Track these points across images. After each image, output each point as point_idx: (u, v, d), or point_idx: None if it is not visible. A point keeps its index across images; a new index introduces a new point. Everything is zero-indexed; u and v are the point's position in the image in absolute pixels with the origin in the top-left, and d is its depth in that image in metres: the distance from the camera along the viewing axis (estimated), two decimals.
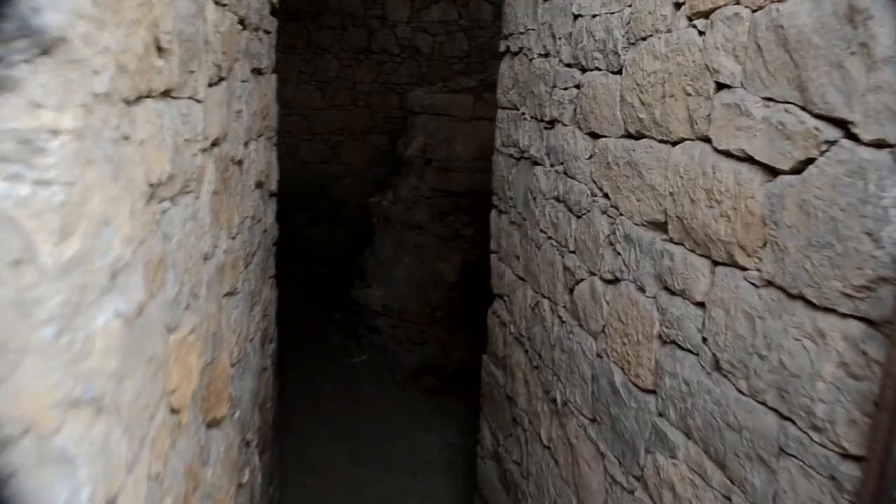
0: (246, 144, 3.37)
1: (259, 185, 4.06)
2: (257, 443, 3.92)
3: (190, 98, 1.99)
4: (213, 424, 2.57)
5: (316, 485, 7.35)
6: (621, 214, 3.21)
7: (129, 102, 1.39)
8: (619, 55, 3.25)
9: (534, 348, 4.40)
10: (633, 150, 3.09)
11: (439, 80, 12.14)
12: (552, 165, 4.07)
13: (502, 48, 5.19)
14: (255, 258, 3.87)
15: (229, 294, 2.92)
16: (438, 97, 9.81)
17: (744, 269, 2.31)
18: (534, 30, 4.40)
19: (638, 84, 3.04)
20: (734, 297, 2.36)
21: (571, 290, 3.80)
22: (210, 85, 2.36)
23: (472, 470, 6.29)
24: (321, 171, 12.99)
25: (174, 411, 1.82)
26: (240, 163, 3.18)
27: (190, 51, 1.93)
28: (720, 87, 2.47)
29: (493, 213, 5.45)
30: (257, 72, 3.94)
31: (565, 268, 3.88)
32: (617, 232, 3.25)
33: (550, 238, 4.11)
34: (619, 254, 3.22)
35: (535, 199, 4.33)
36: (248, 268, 3.56)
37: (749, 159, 2.28)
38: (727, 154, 2.40)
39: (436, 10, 12.74)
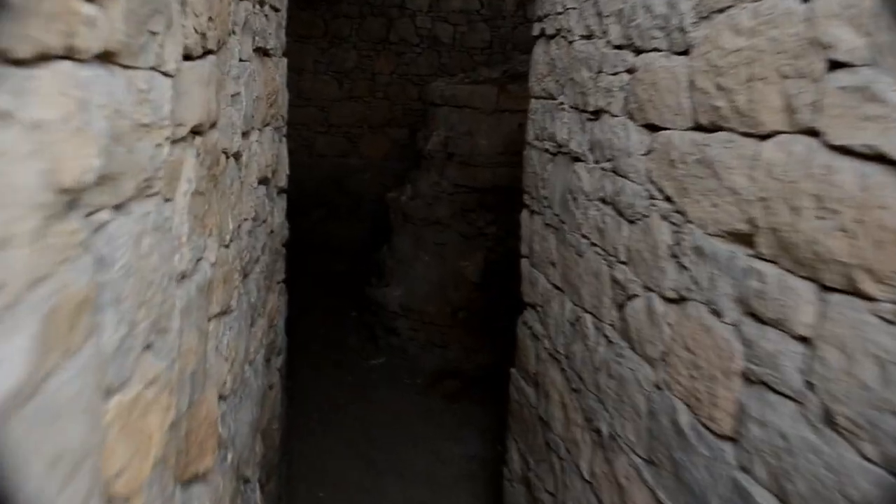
0: (246, 134, 2.85)
1: (264, 180, 3.54)
2: (260, 475, 3.41)
3: (152, 69, 1.46)
4: (193, 480, 2.05)
5: (329, 498, 6.85)
6: (689, 222, 2.66)
7: (14, 62, 0.87)
8: (687, 32, 2.69)
9: (573, 368, 3.85)
10: (707, 146, 2.53)
11: (460, 71, 11.59)
12: (597, 162, 3.52)
13: (536, 31, 4.63)
14: (257, 265, 3.35)
15: (221, 314, 2.39)
16: (460, 88, 9.25)
17: (871, 299, 1.76)
18: (574, 8, 3.85)
19: (713, 66, 2.48)
20: (856, 334, 1.80)
21: (621, 307, 3.25)
22: (189, 57, 1.83)
23: (498, 489, 5.76)
24: (338, 165, 12.48)
25: None
26: (237, 156, 2.65)
27: (149, 3, 1.40)
28: (835, 66, 1.90)
29: (525, 214, 4.90)
30: (263, 52, 3.42)
31: (614, 281, 3.32)
32: (683, 242, 2.70)
33: (595, 245, 3.56)
34: (687, 269, 2.66)
35: (575, 199, 3.78)
36: (249, 278, 3.04)
37: (880, 158, 1.72)
38: (846, 151, 1.83)
39: (456, 0, 12.17)
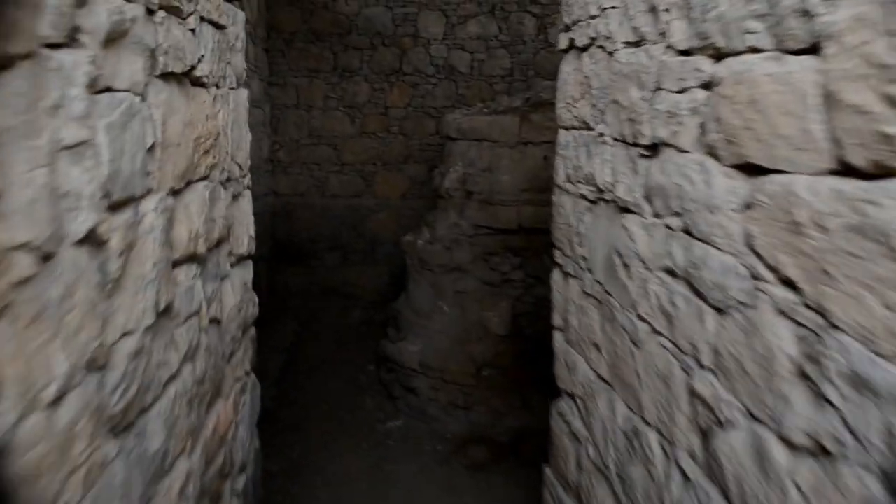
0: (122, 205, 1.82)
1: (194, 257, 2.50)
2: None
3: None
4: None
5: None
6: (836, 327, 1.56)
7: None
8: (815, 17, 1.62)
9: (630, 497, 2.74)
10: (871, 203, 1.45)
11: (479, 101, 10.59)
12: (658, 216, 2.44)
13: (563, 44, 3.57)
14: (174, 384, 2.30)
15: None
16: (478, 119, 8.23)
17: None
18: (616, 7, 2.80)
19: (878, 65, 1.41)
20: None
21: (706, 435, 2.15)
22: None
23: None
24: (353, 206, 11.50)
25: None
26: (97, 242, 1.63)
27: None
28: None
29: (557, 275, 3.81)
30: (183, 80, 2.40)
31: (693, 393, 2.22)
32: (825, 360, 1.59)
33: (660, 335, 2.46)
34: (833, 406, 1.56)
35: (627, 266, 2.69)
36: (147, 414, 1.99)
37: None
38: None
39: (473, 25, 11.20)
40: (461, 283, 8.07)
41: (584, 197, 3.22)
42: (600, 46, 2.96)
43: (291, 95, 11.17)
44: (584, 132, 3.21)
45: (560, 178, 3.60)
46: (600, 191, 3.00)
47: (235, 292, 3.13)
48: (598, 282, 3.05)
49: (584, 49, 3.19)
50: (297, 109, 11.22)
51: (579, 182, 3.27)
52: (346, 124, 11.27)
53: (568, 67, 3.46)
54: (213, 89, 2.76)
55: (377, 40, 11.12)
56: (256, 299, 3.53)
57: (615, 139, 2.81)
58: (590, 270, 3.17)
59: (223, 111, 2.90)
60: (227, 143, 2.96)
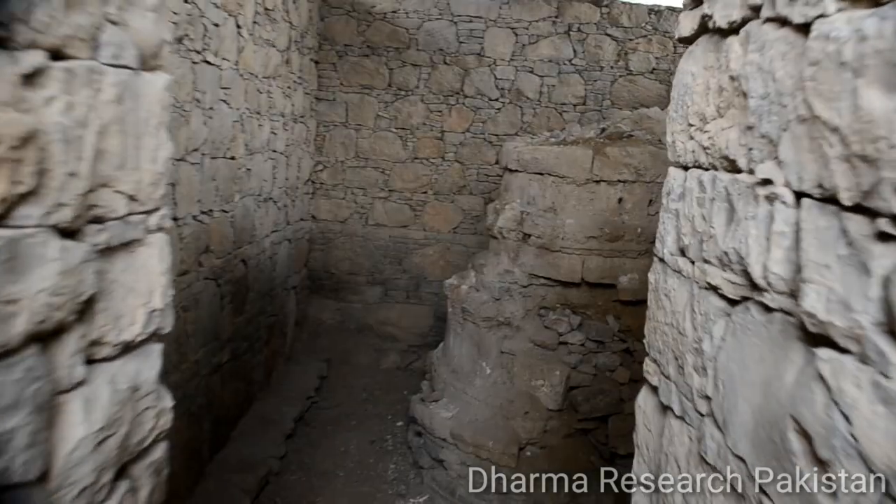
0: None
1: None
2: None
3: None
4: None
5: None
6: None
7: None
8: None
9: None
10: None
11: (546, 130, 9.19)
12: None
13: (686, 28, 2.10)
14: None
15: None
16: (543, 150, 6.81)
17: None
18: None
19: None
20: None
21: None
22: None
23: None
24: (398, 238, 10.17)
25: None
26: None
27: None
28: None
29: (647, 401, 2.32)
30: None
31: None
32: None
33: None
34: None
35: (821, 460, 1.24)
36: None
37: None
38: None
39: (545, 46, 9.82)
40: (509, 342, 6.62)
41: (714, 289, 1.77)
42: (776, 18, 1.52)
43: (340, 112, 9.95)
44: (724, 175, 1.76)
45: (667, 245, 2.15)
46: (755, 286, 1.55)
47: (99, 408, 1.77)
48: (737, 456, 1.60)
49: (733, 30, 1.75)
50: (344, 128, 9.99)
51: (707, 261, 1.82)
52: (398, 147, 9.98)
53: (693, 66, 2.02)
54: (35, 56, 1.43)
55: (438, 57, 9.83)
56: (167, 401, 2.16)
57: (806, 195, 1.36)
58: (718, 426, 1.71)
59: (72, 101, 1.56)
60: (82, 158, 1.61)
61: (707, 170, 1.90)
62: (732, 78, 1.75)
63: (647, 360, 2.29)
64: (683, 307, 1.96)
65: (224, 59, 6.18)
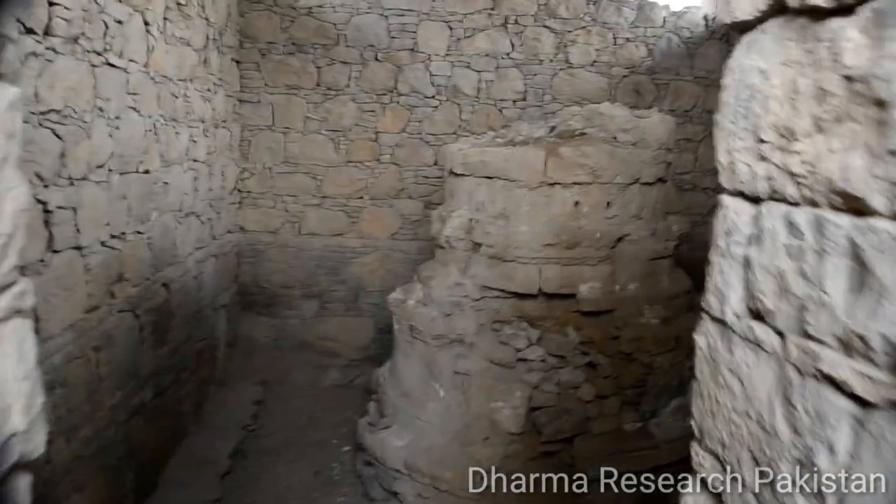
0: None
1: None
2: None
3: None
4: None
5: None
6: None
7: None
8: None
9: None
10: None
11: (487, 129, 8.64)
12: None
13: (745, 9, 1.56)
14: None
15: None
16: (491, 152, 6.26)
17: None
18: None
19: None
20: None
21: None
22: None
23: None
24: (334, 247, 9.49)
25: None
26: None
27: None
28: None
29: (698, 501, 1.79)
30: None
31: None
32: None
33: None
34: None
35: None
36: None
37: None
38: None
39: (481, 40, 9.27)
40: (463, 361, 6.06)
41: (832, 381, 1.22)
42: None
43: (265, 115, 9.19)
44: (842, 219, 1.21)
45: (729, 303, 1.58)
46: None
47: None
48: None
49: (842, 9, 1.21)
50: (271, 132, 9.23)
51: (815, 338, 1.27)
52: (329, 150, 9.29)
53: (762, 61, 1.46)
54: None
55: (369, 54, 9.17)
56: None
57: None
58: None
59: None
60: None
61: (798, 205, 1.35)
62: (850, 79, 1.20)
63: (696, 448, 1.73)
64: (769, 394, 1.41)
65: (131, 60, 5.41)
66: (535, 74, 9.38)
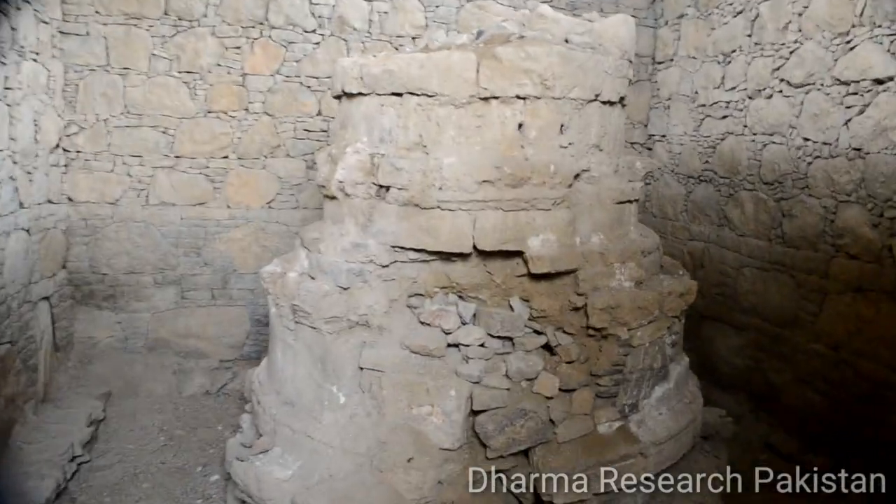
0: None
1: None
2: None
3: None
4: None
5: None
6: None
7: None
8: None
9: None
10: None
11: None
12: None
13: None
14: None
15: None
16: (400, 59, 4.33)
17: None
18: None
19: None
20: None
21: None
22: None
23: None
24: (194, 219, 7.30)
25: None
26: None
27: None
28: None
29: None
30: None
31: None
32: None
33: None
34: None
35: None
36: None
37: None
38: None
39: None
40: (371, 351, 4.14)
41: None
42: None
43: (98, 51, 6.90)
44: None
45: None
46: None
47: None
48: None
49: None
50: (106, 73, 6.95)
51: None
52: (183, 97, 7.09)
53: None
54: None
55: None
56: None
57: None
58: None
59: None
60: None
61: None
62: None
63: None
64: None
65: None
66: (439, 6, 7.55)
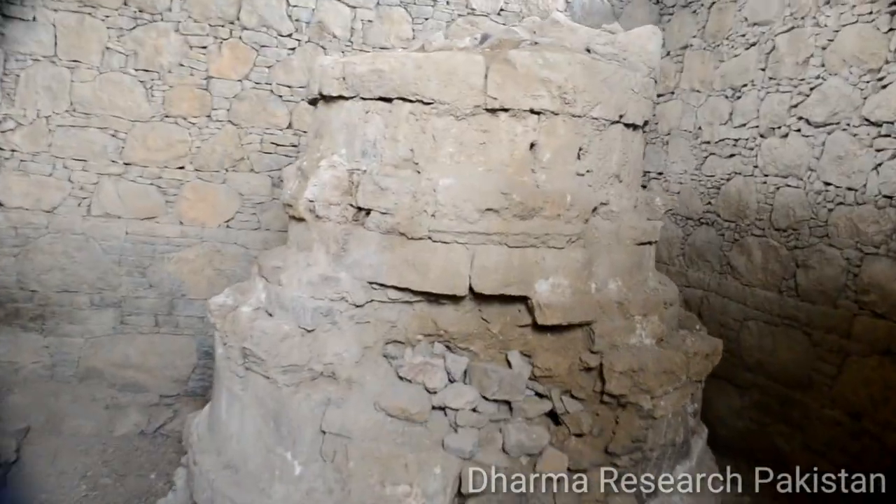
0: None
1: None
2: None
3: None
4: None
5: None
6: None
7: None
8: None
9: None
10: None
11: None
12: None
13: None
14: None
15: None
16: (394, 57, 3.52)
17: None
18: None
19: None
20: None
21: None
22: None
23: None
24: (142, 236, 6.37)
25: None
26: None
27: None
28: None
29: None
30: None
31: None
32: None
33: None
34: None
35: None
36: None
37: None
38: None
39: None
40: (336, 411, 3.29)
41: None
42: None
43: (45, 40, 6.01)
44: None
45: None
46: None
47: None
48: None
49: None
50: (52, 64, 6.04)
51: None
52: (139, 98, 6.20)
53: None
54: None
55: None
56: None
57: None
58: None
59: None
60: None
61: None
62: None
63: None
64: None
65: None
66: (427, 18, 6.80)
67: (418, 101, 3.43)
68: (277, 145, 6.54)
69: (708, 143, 6.73)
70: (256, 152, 6.51)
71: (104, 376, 6.36)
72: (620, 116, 3.69)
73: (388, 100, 3.51)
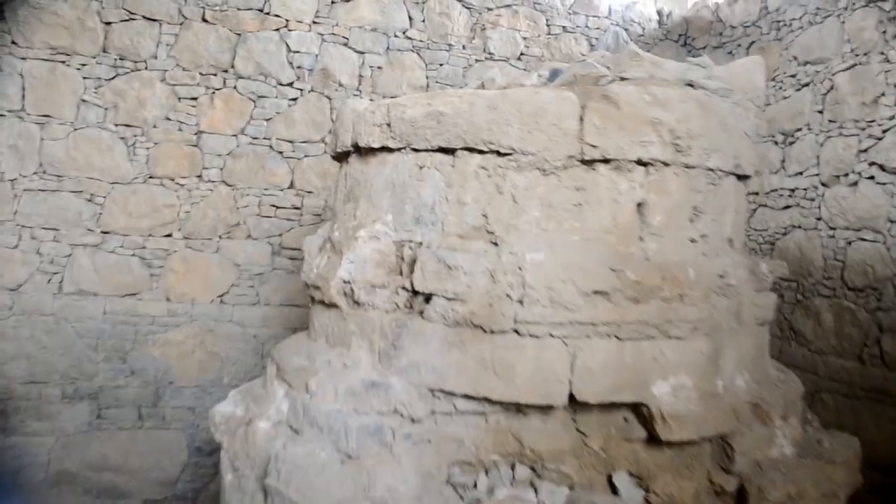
0: None
1: None
2: None
3: None
4: None
5: None
6: None
7: None
8: None
9: None
10: None
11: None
12: None
13: None
14: None
15: None
16: (460, 98, 2.67)
17: None
18: None
19: None
20: None
21: None
22: None
23: None
24: (122, 315, 5.41)
25: None
26: None
27: None
28: None
29: None
30: None
31: None
32: None
33: None
34: None
35: None
36: None
37: None
38: None
39: (366, 7, 5.86)
40: None
41: None
42: None
43: (11, 93, 5.16)
44: None
45: None
46: None
47: None
48: None
49: None
50: (19, 119, 5.17)
51: None
52: (119, 157, 5.32)
53: None
54: None
55: (193, 9, 5.44)
56: None
57: None
58: None
59: None
60: None
61: None
62: None
63: None
64: None
65: None
66: (442, 64, 6.05)
67: (491, 150, 2.58)
68: (278, 208, 5.67)
69: (756, 194, 5.98)
70: (254, 216, 5.63)
71: (78, 481, 5.31)
72: (736, 166, 2.89)
73: (450, 151, 2.66)
